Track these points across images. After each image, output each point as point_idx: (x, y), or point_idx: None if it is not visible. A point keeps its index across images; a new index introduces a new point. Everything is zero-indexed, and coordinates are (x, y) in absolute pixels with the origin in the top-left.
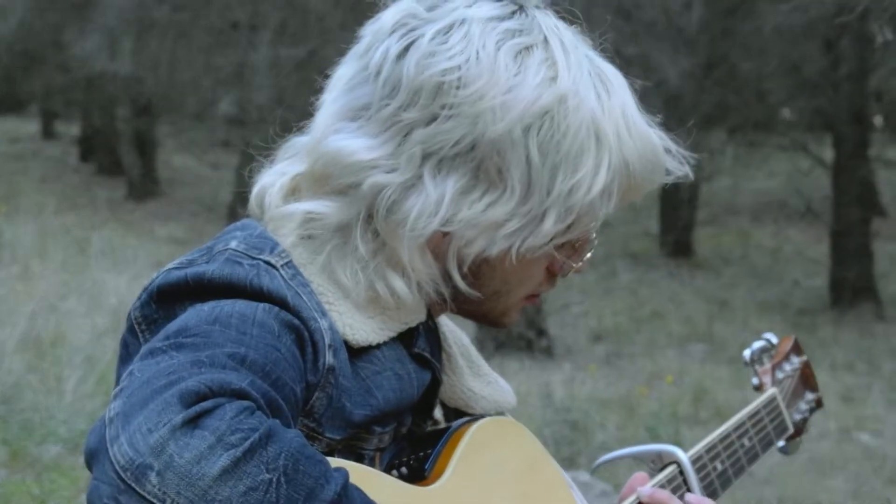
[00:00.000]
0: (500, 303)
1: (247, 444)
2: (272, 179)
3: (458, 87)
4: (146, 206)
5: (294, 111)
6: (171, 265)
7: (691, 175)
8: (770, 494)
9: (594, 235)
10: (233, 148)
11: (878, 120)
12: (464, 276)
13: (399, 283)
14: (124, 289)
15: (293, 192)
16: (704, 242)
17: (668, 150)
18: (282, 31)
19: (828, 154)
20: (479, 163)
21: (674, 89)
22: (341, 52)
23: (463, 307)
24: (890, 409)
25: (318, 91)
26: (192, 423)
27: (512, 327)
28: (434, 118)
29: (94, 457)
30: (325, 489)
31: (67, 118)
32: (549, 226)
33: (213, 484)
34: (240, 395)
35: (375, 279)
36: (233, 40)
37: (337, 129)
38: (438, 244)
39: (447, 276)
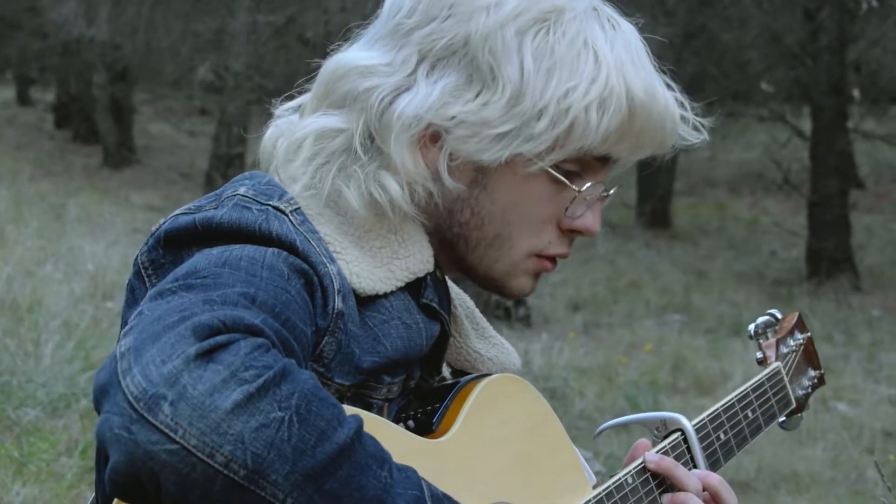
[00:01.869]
0: (503, 252)
1: (260, 380)
2: (285, 124)
3: None
4: (122, 174)
5: (272, 78)
6: (178, 211)
7: (708, 138)
8: (748, 463)
9: (605, 192)
10: (209, 116)
11: (856, 92)
12: (452, 174)
13: (393, 185)
14: (101, 255)
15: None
16: (682, 213)
17: (683, 118)
18: None
19: (806, 125)
20: (472, 60)
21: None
22: (320, 19)
23: (466, 258)
24: (867, 379)
25: (296, 57)
26: (207, 355)
27: (488, 295)
28: (433, 19)
29: (104, 392)
30: (338, 432)
31: (43, 84)
32: (543, 127)
33: (226, 417)
34: (254, 331)
35: (373, 187)
36: (211, 7)
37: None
38: (429, 148)
39: (438, 179)
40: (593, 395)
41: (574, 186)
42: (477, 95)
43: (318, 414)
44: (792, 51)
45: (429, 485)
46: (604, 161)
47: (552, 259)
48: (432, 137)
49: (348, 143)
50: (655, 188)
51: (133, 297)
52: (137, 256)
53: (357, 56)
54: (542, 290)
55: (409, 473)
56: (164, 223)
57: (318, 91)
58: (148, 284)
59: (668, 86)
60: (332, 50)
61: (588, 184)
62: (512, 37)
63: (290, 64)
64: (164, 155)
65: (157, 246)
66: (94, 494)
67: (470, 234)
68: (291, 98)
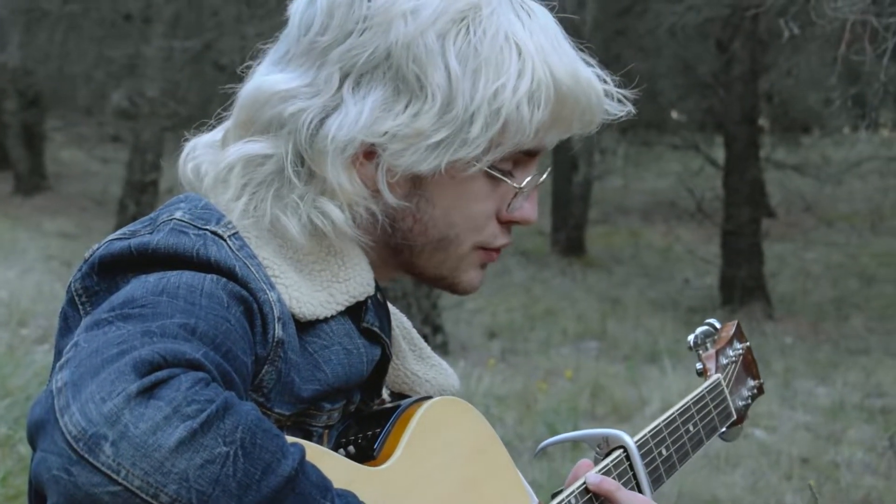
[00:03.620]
0: (450, 252)
1: (203, 415)
2: (205, 152)
3: (369, 0)
4: (34, 201)
5: (187, 104)
6: (112, 236)
7: (633, 110)
8: (668, 489)
9: (541, 177)
10: (122, 142)
11: (766, 121)
12: (392, 190)
13: (335, 211)
14: (15, 282)
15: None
16: (596, 241)
17: (607, 94)
18: (175, 23)
19: (719, 154)
20: (397, 72)
21: None
22: (236, 45)
23: (413, 262)
24: (783, 405)
25: (212, 83)
26: (148, 392)
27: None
28: (349, 34)
29: (40, 428)
30: (283, 464)
31: None
32: (477, 131)
33: (170, 456)
34: (194, 365)
35: (312, 213)
36: (125, 32)
37: (262, 74)
38: (365, 164)
39: (377, 195)
40: (513, 422)
41: (514, 184)
42: (406, 107)
43: (262, 447)
44: (705, 80)
45: None
46: (535, 154)
47: (497, 249)
48: (366, 154)
49: (278, 168)
50: (569, 216)
51: (67, 326)
52: (70, 283)
53: (276, 80)
54: (458, 317)
55: (349, 499)
56: (97, 249)
57: (239, 118)
58: (82, 312)
59: (587, 62)
60: (244, 71)
61: (528, 178)
62: (433, 41)
63: (206, 90)
64: (76, 182)
65: (91, 273)
66: None
67: (415, 240)
68: (205, 126)
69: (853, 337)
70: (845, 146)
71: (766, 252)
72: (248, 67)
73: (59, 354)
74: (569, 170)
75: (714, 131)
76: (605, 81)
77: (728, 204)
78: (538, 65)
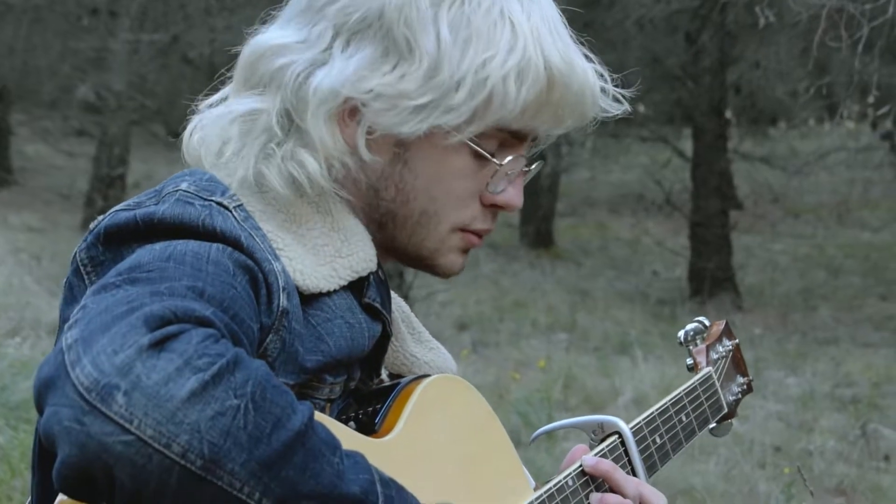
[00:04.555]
0: (430, 230)
1: (214, 368)
2: (212, 123)
3: None
4: None
5: (155, 97)
6: (118, 207)
7: (630, 109)
8: None
9: (526, 167)
10: (87, 136)
11: (733, 113)
12: (370, 149)
13: (311, 162)
14: None
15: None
16: (564, 233)
17: (603, 90)
18: (143, 16)
19: (687, 146)
20: (387, 33)
21: None
22: (205, 38)
23: (395, 237)
24: (755, 396)
25: (180, 77)
26: (159, 345)
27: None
28: None
29: (49, 385)
30: (293, 419)
31: None
32: (461, 98)
33: (182, 406)
34: (204, 322)
35: (290, 165)
36: (91, 26)
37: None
38: (349, 124)
39: (355, 152)
40: None
41: (495, 160)
42: (394, 68)
43: (272, 401)
44: (673, 73)
45: (377, 469)
46: (522, 138)
47: (478, 234)
48: (350, 113)
49: (269, 122)
50: (538, 208)
51: (72, 295)
52: (76, 253)
53: (271, 36)
54: (429, 309)
55: (358, 459)
56: (103, 219)
57: (238, 77)
58: (87, 282)
59: (587, 57)
60: (249, 33)
61: (510, 157)
62: (427, 7)
63: (174, 83)
64: (41, 176)
65: (97, 242)
66: (30, 498)
67: (397, 210)
68: (207, 99)
69: (821, 327)
70: (812, 138)
71: (735, 244)
72: (254, 31)
73: (64, 323)
74: None
75: (682, 123)
76: (602, 77)
77: (696, 196)
78: (531, 44)
